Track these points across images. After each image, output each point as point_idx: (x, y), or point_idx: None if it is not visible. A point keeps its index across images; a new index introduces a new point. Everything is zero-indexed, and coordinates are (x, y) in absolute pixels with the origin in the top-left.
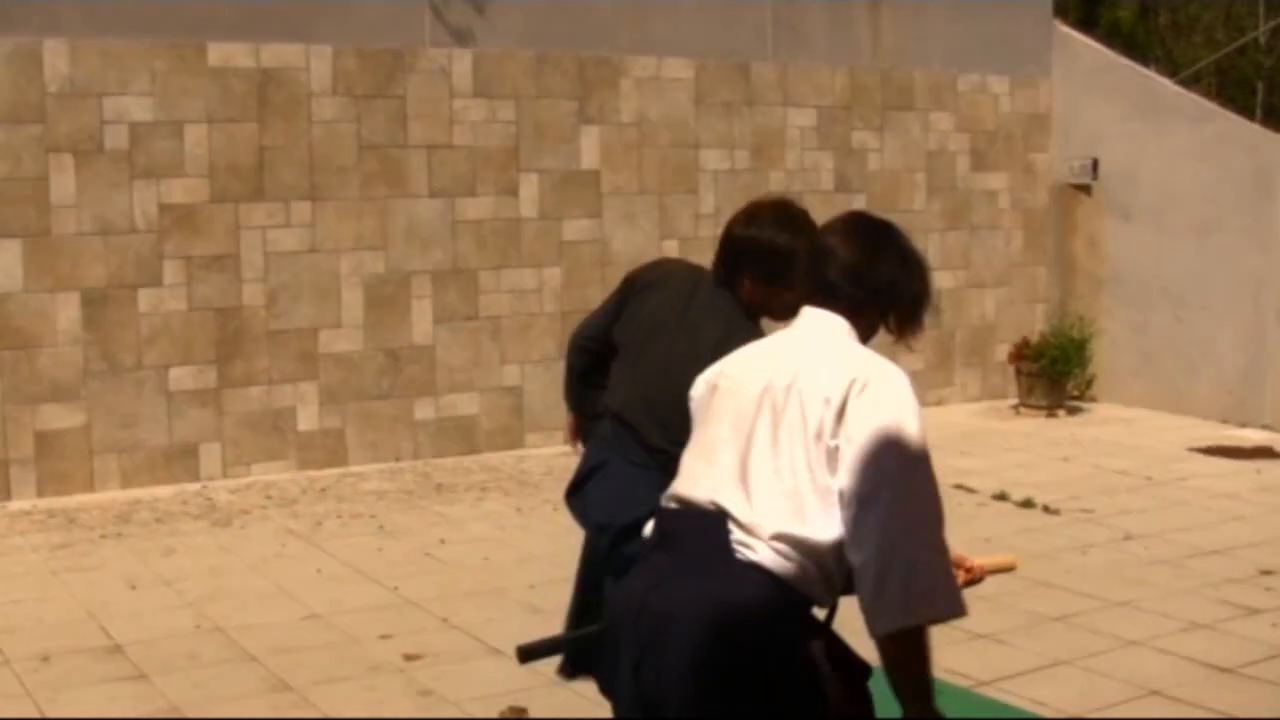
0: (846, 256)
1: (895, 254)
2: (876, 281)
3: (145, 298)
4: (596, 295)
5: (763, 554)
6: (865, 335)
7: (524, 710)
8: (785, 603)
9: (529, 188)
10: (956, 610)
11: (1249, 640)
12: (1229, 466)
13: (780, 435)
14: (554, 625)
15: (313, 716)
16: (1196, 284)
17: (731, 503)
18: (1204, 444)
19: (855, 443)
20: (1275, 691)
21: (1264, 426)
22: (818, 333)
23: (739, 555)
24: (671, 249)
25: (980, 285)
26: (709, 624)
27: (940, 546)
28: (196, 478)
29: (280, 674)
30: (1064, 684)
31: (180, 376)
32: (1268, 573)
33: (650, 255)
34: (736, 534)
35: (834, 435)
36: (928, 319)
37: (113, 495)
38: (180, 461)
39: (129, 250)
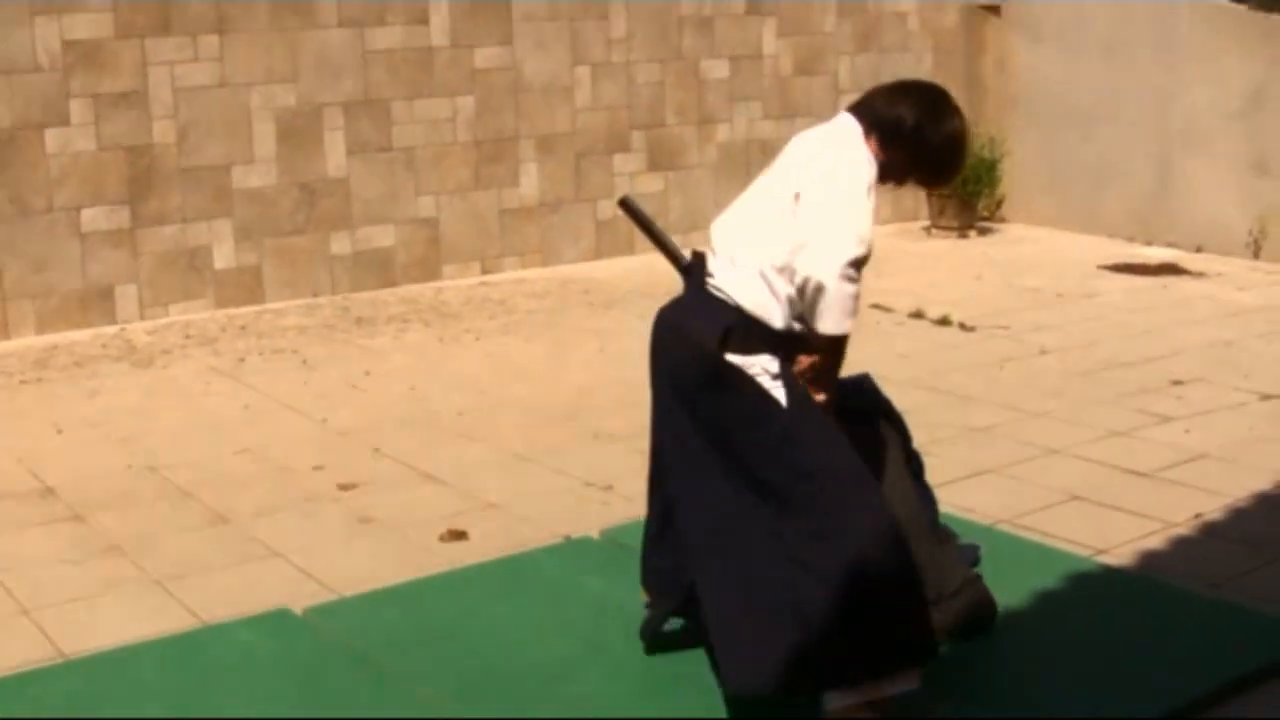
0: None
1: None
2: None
3: (52, 138)
4: (510, 123)
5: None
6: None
7: (464, 533)
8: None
9: (439, 15)
10: None
11: (1163, 446)
12: (1137, 283)
13: None
14: (485, 452)
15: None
16: (1104, 103)
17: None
18: (1112, 261)
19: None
20: (1189, 493)
21: (1169, 244)
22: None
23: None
24: (584, 75)
25: None
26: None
27: None
28: (114, 320)
29: (218, 508)
30: (989, 491)
31: (92, 217)
32: (1178, 383)
33: (563, 82)
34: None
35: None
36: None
37: (29, 341)
38: (96, 304)
39: (33, 89)
